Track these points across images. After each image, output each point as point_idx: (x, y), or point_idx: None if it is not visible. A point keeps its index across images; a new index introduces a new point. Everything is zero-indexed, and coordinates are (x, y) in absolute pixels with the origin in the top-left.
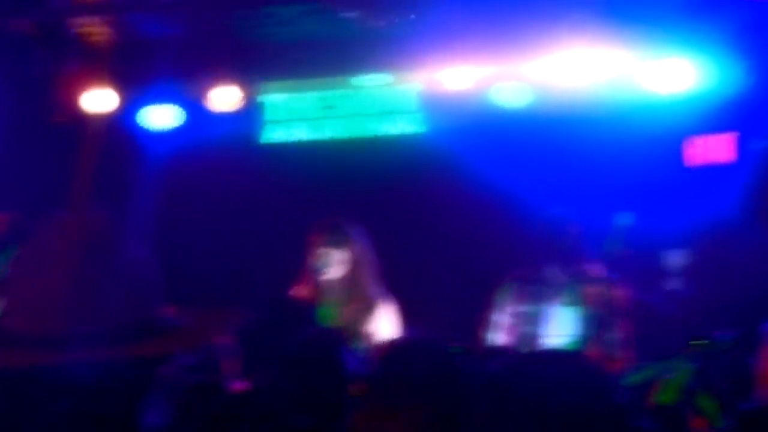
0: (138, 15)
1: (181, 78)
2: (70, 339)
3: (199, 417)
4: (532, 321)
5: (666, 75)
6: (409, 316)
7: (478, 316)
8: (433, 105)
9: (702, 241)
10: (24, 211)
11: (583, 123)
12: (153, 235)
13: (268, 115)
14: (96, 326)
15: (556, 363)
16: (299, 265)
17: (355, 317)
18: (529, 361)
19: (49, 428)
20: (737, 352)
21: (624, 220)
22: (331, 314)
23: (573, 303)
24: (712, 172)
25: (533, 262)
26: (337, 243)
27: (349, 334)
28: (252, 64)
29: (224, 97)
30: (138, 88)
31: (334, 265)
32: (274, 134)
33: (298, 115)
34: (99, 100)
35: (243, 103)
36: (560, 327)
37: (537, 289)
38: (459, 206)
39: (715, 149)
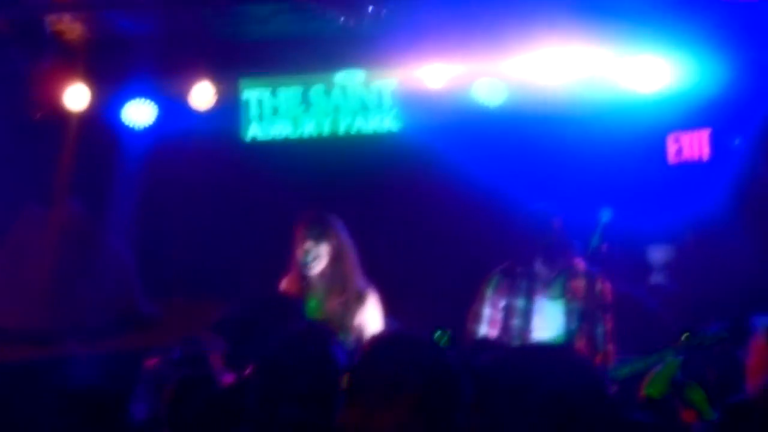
0: (113, 12)
1: (158, 75)
2: (53, 334)
3: (188, 411)
4: (518, 314)
5: (642, 73)
6: (391, 308)
7: (460, 309)
8: (410, 102)
9: (685, 236)
10: (4, 207)
11: (559, 121)
12: (133, 231)
13: (246, 111)
14: (78, 321)
15: (545, 356)
16: (282, 260)
17: (341, 309)
18: (518, 355)
19: (35, 421)
20: (725, 344)
21: (606, 215)
22: (317, 307)
23: (559, 297)
24: (690, 168)
25: (519, 257)
26: (320, 236)
27: (335, 326)
28: (229, 62)
29: (202, 94)
30: (115, 85)
31: (319, 258)
32: (252, 131)
33: (275, 112)
34: (76, 97)
35: (221, 100)
36: (547, 321)
37: (523, 283)
38: (438, 202)
39: (693, 146)
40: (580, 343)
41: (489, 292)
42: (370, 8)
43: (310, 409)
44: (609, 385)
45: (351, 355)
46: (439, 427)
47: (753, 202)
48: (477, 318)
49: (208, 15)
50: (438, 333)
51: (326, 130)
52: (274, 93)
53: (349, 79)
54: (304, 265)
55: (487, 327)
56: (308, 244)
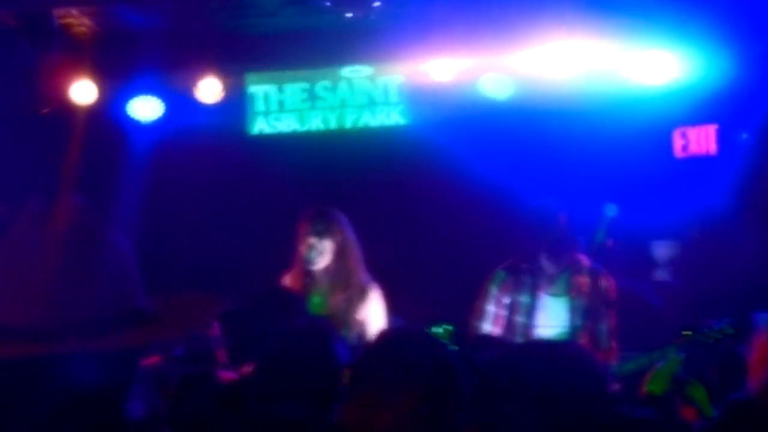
0: (120, 6)
1: (165, 70)
2: (56, 330)
3: (190, 408)
4: (522, 311)
5: (649, 67)
6: (395, 304)
7: (464, 305)
8: (416, 96)
9: (690, 232)
10: (9, 202)
11: (566, 115)
12: (139, 225)
13: (252, 106)
14: (78, 317)
15: (546, 353)
16: (287, 255)
17: (345, 305)
18: (519, 352)
19: (33, 417)
20: (728, 341)
21: (611, 211)
22: (320, 303)
23: (563, 293)
24: (697, 163)
25: (524, 253)
26: (324, 231)
27: (339, 322)
28: (235, 56)
29: (208, 89)
30: (122, 80)
31: (323, 253)
32: (258, 125)
33: (282, 106)
34: (83, 91)
35: (227, 94)
36: (551, 317)
37: (528, 280)
38: (444, 196)
39: (700, 141)
40: (584, 340)
41: (493, 289)
42: (377, 2)
43: (312, 406)
44: (612, 382)
45: (354, 351)
46: (440, 424)
47: (759, 197)
48: (481, 315)
49: (215, 9)
50: (440, 328)
51: (333, 124)
52: (280, 87)
53: (356, 73)
54: (308, 261)
55: (491, 324)
56: (312, 240)
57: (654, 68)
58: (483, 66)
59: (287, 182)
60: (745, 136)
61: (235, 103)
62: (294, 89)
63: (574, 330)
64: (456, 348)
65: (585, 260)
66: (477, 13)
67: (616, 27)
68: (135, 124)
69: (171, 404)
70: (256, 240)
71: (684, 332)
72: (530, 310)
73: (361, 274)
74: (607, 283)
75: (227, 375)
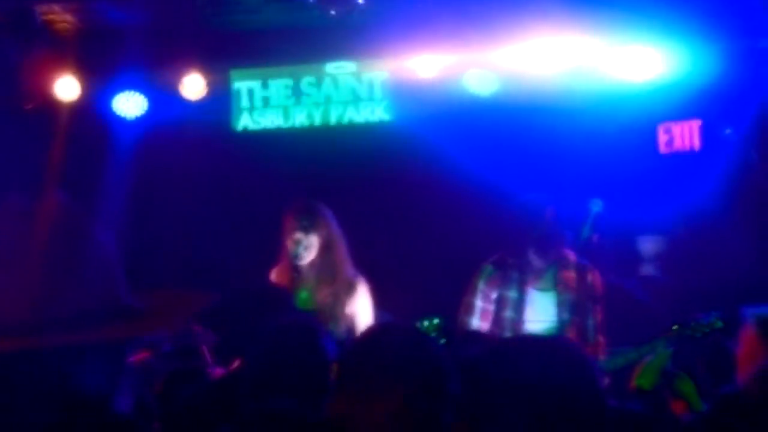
0: (104, 2)
1: (149, 66)
2: (39, 325)
3: (179, 403)
4: (510, 306)
5: (633, 63)
6: (381, 299)
7: (451, 300)
8: (401, 93)
9: (676, 227)
10: None
11: (550, 111)
12: (124, 221)
13: (237, 102)
14: (64, 312)
15: (533, 348)
16: (272, 251)
17: (331, 300)
18: (509, 346)
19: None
20: (716, 334)
21: (596, 206)
22: (307, 297)
23: (550, 288)
24: (681, 159)
25: (511, 247)
26: (310, 226)
27: (326, 316)
28: (219, 52)
29: (193, 85)
30: (106, 76)
31: (309, 248)
32: (243, 121)
33: (267, 102)
34: (67, 87)
35: (211, 90)
36: (539, 312)
37: (515, 275)
38: (429, 192)
39: (684, 136)
40: (571, 335)
41: (481, 284)
42: (360, 1)
43: (300, 401)
44: (601, 377)
45: (341, 346)
46: (429, 419)
47: (744, 192)
48: (469, 310)
49: (199, 5)
50: (426, 322)
51: (317, 120)
52: (264, 84)
53: (340, 69)
54: (294, 256)
55: (479, 319)
56: (298, 235)
57: (638, 64)
58: (467, 62)
59: (272, 178)
60: (728, 131)
61: (220, 99)
62: (278, 85)
63: (561, 325)
64: (444, 341)
65: (572, 255)
66: (461, 9)
67: (601, 23)
68: (119, 121)
69: (160, 399)
70: (241, 236)
71: (672, 326)
72: (518, 305)
73: (348, 268)
74: (593, 277)
75: (216, 371)
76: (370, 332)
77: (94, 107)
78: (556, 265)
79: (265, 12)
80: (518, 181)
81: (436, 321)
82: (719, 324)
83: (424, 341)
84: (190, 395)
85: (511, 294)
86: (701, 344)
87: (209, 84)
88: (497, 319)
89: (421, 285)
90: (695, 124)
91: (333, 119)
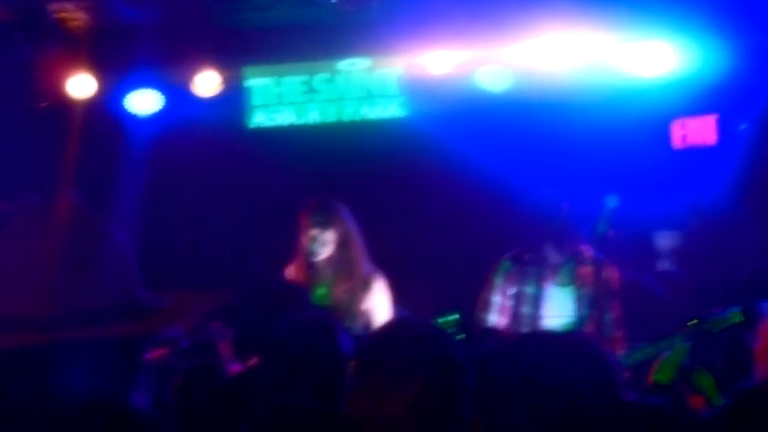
0: (116, 0)
1: (163, 63)
2: (56, 321)
3: (196, 400)
4: (528, 302)
5: (647, 58)
6: (398, 295)
7: (467, 296)
8: (414, 89)
9: (691, 222)
10: (8, 198)
11: (564, 107)
12: (138, 219)
13: (250, 99)
14: (80, 309)
15: (551, 344)
16: (287, 248)
17: (348, 296)
18: (524, 342)
19: (36, 409)
20: (734, 329)
21: (612, 202)
22: (324, 294)
23: (568, 283)
24: (696, 154)
25: (528, 243)
26: (326, 223)
27: (343, 313)
28: (233, 49)
29: (206, 82)
30: (120, 74)
31: (325, 245)
32: (257, 118)
33: (280, 99)
34: (80, 85)
35: (225, 88)
36: (557, 307)
37: (533, 270)
38: (443, 188)
39: (698, 132)
40: (589, 330)
41: (498, 280)
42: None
43: (317, 397)
44: (619, 372)
45: (358, 342)
46: (445, 414)
47: (759, 187)
48: (486, 306)
49: (212, 2)
50: (444, 318)
51: (331, 117)
52: (278, 80)
53: (354, 66)
54: (310, 253)
55: (497, 315)
56: (314, 231)
57: (652, 59)
58: (480, 58)
59: (286, 175)
60: (744, 126)
61: (233, 96)
62: (292, 82)
63: (579, 320)
64: (462, 337)
65: (588, 250)
66: (474, 5)
67: (614, 19)
68: (133, 118)
69: (177, 396)
70: (256, 233)
71: (690, 321)
72: (536, 301)
73: (365, 264)
74: (610, 273)
75: (233, 367)
76: (387, 328)
77: (107, 105)
78: (573, 260)
79: (278, 9)
80: (533, 176)
81: (454, 317)
82: (737, 318)
83: (440, 337)
84: (208, 392)
85: (529, 289)
86: (719, 339)
87: (223, 81)
88: (515, 315)
89: (437, 281)
90: (710, 119)
91: (346, 116)
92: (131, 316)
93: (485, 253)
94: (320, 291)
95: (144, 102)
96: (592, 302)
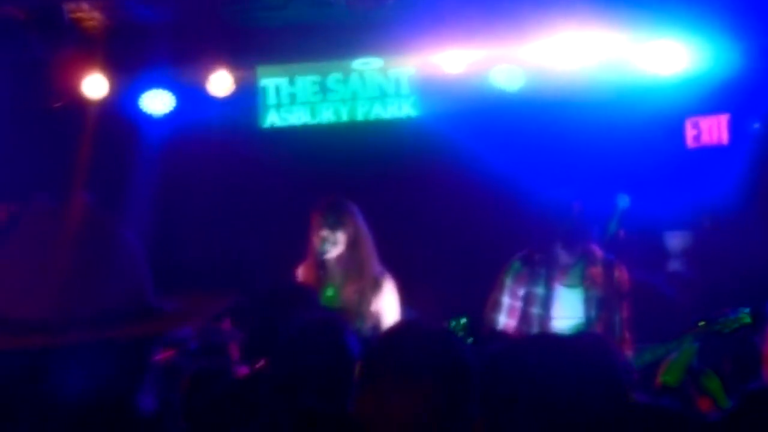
0: (131, 0)
1: (176, 63)
2: (64, 323)
3: (204, 401)
4: (538, 303)
5: (660, 57)
6: (408, 296)
7: (478, 297)
8: (428, 88)
9: (703, 222)
10: (20, 197)
11: (577, 106)
12: (151, 219)
13: (264, 99)
14: (90, 311)
15: (557, 347)
16: (299, 248)
17: (357, 296)
18: (536, 344)
19: (44, 411)
20: (743, 331)
21: (623, 202)
22: (334, 294)
23: (578, 284)
24: (709, 153)
25: (539, 243)
26: (336, 223)
27: (352, 313)
28: (246, 49)
29: (220, 82)
30: (134, 74)
31: (335, 245)
32: (270, 118)
33: (293, 99)
34: (95, 85)
35: (238, 87)
36: (566, 309)
37: (542, 271)
38: (456, 188)
39: (711, 131)
40: (599, 331)
41: (508, 281)
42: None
43: (325, 399)
44: (630, 373)
45: (367, 343)
46: (453, 417)
47: None
48: (496, 306)
49: (226, 2)
50: (454, 321)
51: (344, 117)
52: (291, 80)
53: (367, 65)
54: (321, 253)
55: (506, 316)
56: (324, 232)
57: (665, 58)
58: (494, 57)
59: (299, 175)
60: (757, 125)
61: (247, 96)
62: (305, 82)
63: (589, 321)
64: (471, 341)
65: (598, 251)
66: (487, 4)
67: (627, 17)
68: (146, 118)
69: (185, 398)
70: (268, 233)
71: (700, 322)
72: (545, 302)
73: (375, 265)
74: (620, 273)
75: (241, 369)
76: (395, 329)
77: (121, 105)
78: (584, 260)
79: (291, 8)
80: (545, 176)
81: (463, 320)
82: (747, 320)
83: (448, 339)
84: (216, 394)
85: (539, 290)
86: (728, 340)
87: (236, 81)
88: (524, 316)
89: (447, 282)
90: (723, 119)
91: (360, 116)
92: (141, 317)
93: (497, 253)
94: (329, 292)
95: (157, 102)
96: (602, 303)
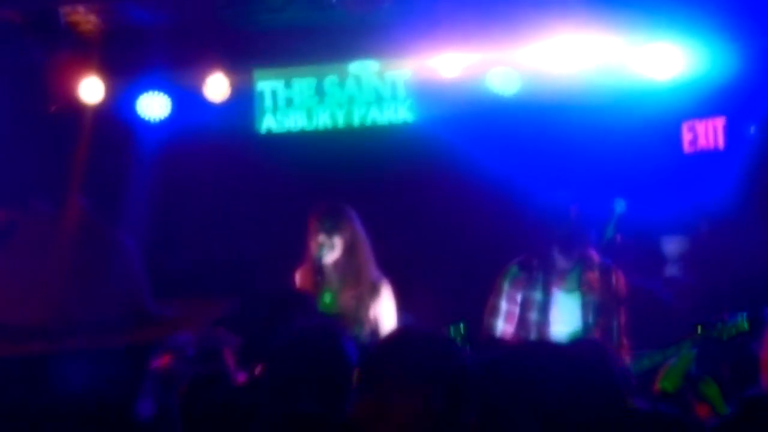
0: (127, 3)
1: (173, 67)
2: (63, 329)
3: (202, 407)
4: (536, 308)
5: (656, 61)
6: (405, 301)
7: (475, 301)
8: (424, 92)
9: (700, 226)
10: (17, 202)
11: (574, 109)
12: (147, 223)
13: (260, 103)
14: (88, 317)
15: (560, 351)
16: (296, 253)
17: (355, 302)
18: (533, 350)
19: (42, 416)
20: (742, 336)
21: (620, 206)
22: (331, 299)
23: (575, 289)
24: (705, 157)
25: (536, 247)
26: (333, 228)
27: (350, 318)
28: (243, 53)
29: (216, 86)
30: (130, 77)
31: (332, 250)
32: (267, 123)
33: (290, 103)
34: (91, 89)
35: (235, 91)
36: (564, 314)
37: (540, 276)
38: (453, 192)
39: (708, 135)
40: (596, 337)
41: (505, 285)
42: (383, 0)
43: (323, 404)
44: (629, 379)
45: (366, 348)
46: (450, 422)
47: (767, 191)
48: (494, 311)
49: (222, 5)
50: (452, 328)
51: (340, 121)
52: (288, 84)
53: (364, 69)
54: (318, 258)
55: (504, 321)
56: (321, 237)
57: (661, 62)
58: (490, 61)
59: (296, 179)
60: (753, 129)
61: (243, 100)
62: (302, 85)
63: (586, 326)
64: (469, 347)
65: (596, 255)
66: (484, 8)
67: (623, 21)
68: (143, 122)
69: (183, 404)
70: (265, 238)
71: (698, 328)
72: (543, 307)
73: (372, 270)
74: (617, 278)
75: (239, 375)
76: (393, 335)
77: (117, 109)
78: (581, 265)
79: (288, 11)
80: (542, 180)
81: (461, 327)
82: (745, 326)
83: (446, 345)
84: (213, 400)
85: (536, 295)
86: (726, 347)
87: (233, 84)
88: (522, 321)
89: (444, 287)
90: (719, 122)
91: (356, 120)
92: (138, 323)
93: (494, 258)
94: (327, 297)
95: (154, 106)
96: (599, 308)
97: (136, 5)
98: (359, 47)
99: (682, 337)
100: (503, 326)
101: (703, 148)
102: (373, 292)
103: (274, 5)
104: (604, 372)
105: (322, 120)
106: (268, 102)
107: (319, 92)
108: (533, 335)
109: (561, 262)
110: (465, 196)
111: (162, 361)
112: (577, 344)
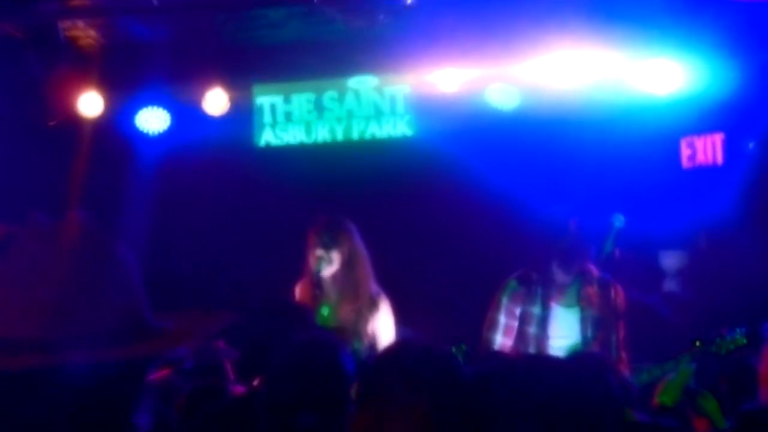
0: (127, 18)
1: (172, 82)
2: (60, 342)
3: (200, 420)
4: (534, 322)
5: (655, 76)
6: (404, 315)
7: (475, 316)
8: (423, 107)
9: (698, 242)
10: (16, 215)
11: (572, 125)
12: (146, 237)
13: (260, 117)
14: (86, 330)
15: (560, 365)
16: (295, 267)
17: (354, 316)
18: (532, 363)
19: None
20: (739, 352)
21: (618, 221)
22: (329, 314)
23: (574, 304)
24: (704, 173)
25: (535, 262)
26: (332, 242)
27: (349, 333)
28: (242, 68)
29: (215, 101)
30: (129, 92)
31: (330, 264)
32: (265, 137)
33: (289, 117)
34: (90, 103)
35: (234, 106)
36: (563, 328)
37: (539, 290)
38: (452, 207)
39: (706, 150)
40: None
41: (505, 299)
42: (382, 16)
43: (321, 418)
44: (630, 393)
45: (364, 362)
46: None
47: (765, 207)
48: (493, 326)
49: (222, 21)
50: (453, 348)
51: (339, 135)
52: (287, 98)
53: (363, 84)
54: (316, 272)
55: (503, 335)
56: (319, 251)
57: (660, 77)
58: (489, 76)
59: (295, 194)
60: (751, 145)
61: (242, 114)
62: (301, 100)
63: (585, 341)
64: (468, 360)
65: (595, 270)
66: (483, 23)
67: (622, 36)
68: (142, 136)
69: (181, 417)
70: (264, 251)
71: (696, 342)
72: (542, 321)
73: (371, 284)
74: (616, 293)
75: (237, 388)
76: (391, 348)
77: (117, 123)
78: (580, 280)
79: (287, 27)
80: (541, 195)
81: (462, 347)
82: (743, 341)
83: (444, 358)
84: (212, 413)
85: (535, 310)
86: (724, 361)
87: (232, 99)
88: (521, 335)
89: (443, 301)
90: (718, 138)
91: (355, 134)
92: (137, 337)
93: (494, 272)
94: (325, 311)
95: (153, 120)
96: (598, 323)
97: (135, 20)
98: (358, 62)
99: (680, 352)
100: (502, 340)
101: (701, 164)
102: (372, 306)
103: (273, 21)
104: (604, 385)
105: (321, 135)
106: (267, 116)
107: (318, 107)
108: (532, 349)
109: (560, 276)
110: (464, 211)
111: (160, 374)
112: (577, 357)
